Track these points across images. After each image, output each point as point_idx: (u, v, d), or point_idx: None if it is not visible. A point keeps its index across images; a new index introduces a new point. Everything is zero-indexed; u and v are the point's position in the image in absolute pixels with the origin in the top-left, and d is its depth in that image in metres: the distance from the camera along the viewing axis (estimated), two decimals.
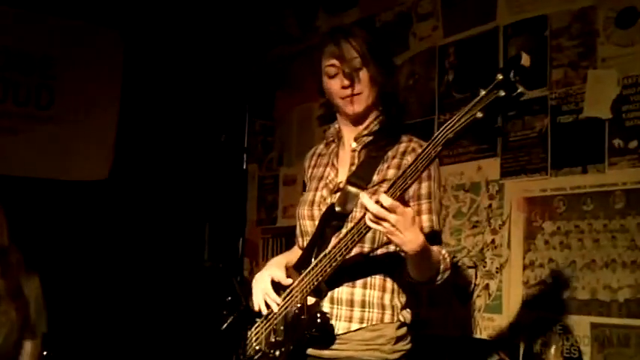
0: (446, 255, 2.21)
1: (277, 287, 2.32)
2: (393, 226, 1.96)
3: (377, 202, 1.95)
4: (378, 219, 1.96)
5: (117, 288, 4.28)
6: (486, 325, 3.17)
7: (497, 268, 3.16)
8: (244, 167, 4.89)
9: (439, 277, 2.20)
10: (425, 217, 2.23)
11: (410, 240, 2.01)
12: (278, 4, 4.72)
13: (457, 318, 3.29)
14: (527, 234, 3.06)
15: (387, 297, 2.27)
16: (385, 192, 1.97)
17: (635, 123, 2.74)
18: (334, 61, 2.29)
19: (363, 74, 2.28)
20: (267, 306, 2.33)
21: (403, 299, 2.30)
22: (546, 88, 3.03)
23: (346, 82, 2.27)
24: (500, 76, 1.79)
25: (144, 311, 4.30)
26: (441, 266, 2.18)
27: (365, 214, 2.00)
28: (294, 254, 2.43)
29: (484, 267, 3.21)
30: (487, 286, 3.19)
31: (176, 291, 4.37)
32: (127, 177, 4.47)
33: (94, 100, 4.46)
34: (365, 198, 1.98)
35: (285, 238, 4.40)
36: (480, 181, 3.28)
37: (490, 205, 3.22)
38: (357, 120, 2.36)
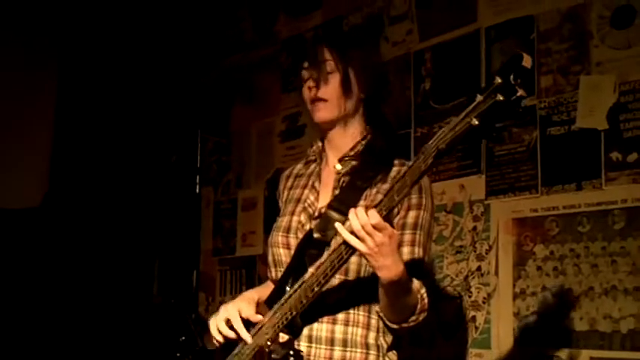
0: (425, 295, 2.19)
1: (246, 325, 2.25)
2: (377, 246, 1.94)
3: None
4: (362, 235, 1.94)
5: (52, 329, 4.20)
6: None
7: (484, 298, 3.15)
8: (197, 191, 4.85)
9: (413, 319, 2.18)
10: (405, 250, 2.20)
11: (388, 266, 1.99)
12: (232, 6, 4.71)
13: (441, 356, 3.27)
14: (517, 259, 3.06)
15: (372, 335, 2.24)
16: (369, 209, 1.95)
17: (634, 134, 2.76)
18: (306, 64, 2.33)
19: (334, 79, 2.28)
20: (229, 339, 2.26)
21: (389, 339, 2.27)
22: (534, 96, 3.04)
23: (311, 84, 2.30)
24: (498, 80, 1.78)
25: (83, 355, 4.21)
26: (418, 306, 2.17)
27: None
28: (267, 289, 2.38)
29: (470, 297, 3.20)
30: (473, 319, 3.18)
31: (122, 332, 4.30)
32: (63, 204, 4.40)
33: (24, 117, 4.39)
34: (352, 211, 1.97)
35: (246, 270, 4.37)
36: (462, 202, 3.27)
37: (475, 228, 3.22)
38: (328, 130, 2.35)
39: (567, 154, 2.94)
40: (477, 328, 3.16)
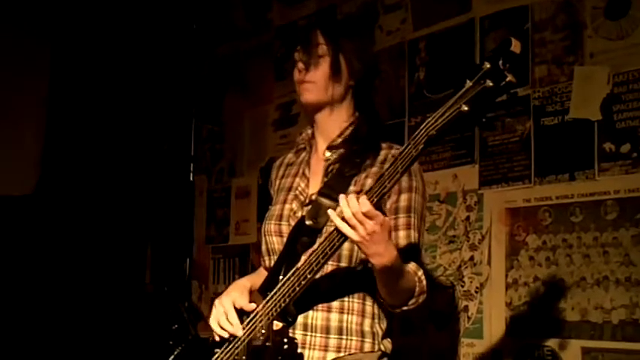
0: (422, 277, 2.19)
1: (240, 315, 2.25)
2: (369, 234, 1.94)
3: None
4: (353, 223, 1.94)
5: (44, 316, 4.19)
6: (466, 352, 3.16)
7: (476, 287, 3.16)
8: (191, 179, 4.84)
9: (412, 301, 2.17)
10: (402, 234, 2.20)
11: (380, 253, 1.99)
12: None
13: (433, 345, 3.28)
14: (510, 249, 3.06)
15: (367, 323, 2.24)
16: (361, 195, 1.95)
17: (627, 124, 2.76)
18: (299, 47, 2.33)
19: (324, 63, 2.29)
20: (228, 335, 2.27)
21: (384, 325, 2.28)
22: (528, 86, 3.04)
23: (301, 67, 2.30)
24: (487, 65, 1.77)
25: (75, 343, 4.21)
26: (416, 289, 2.16)
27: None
28: (259, 277, 2.38)
29: (462, 287, 3.21)
30: (466, 309, 3.18)
31: (114, 319, 4.29)
32: (57, 191, 4.38)
33: (16, 106, 4.37)
34: (342, 198, 1.96)
35: (239, 258, 4.37)
36: (456, 191, 3.27)
37: (468, 218, 3.22)
38: (315, 113, 2.34)
39: (561, 145, 2.94)
40: (469, 317, 3.17)
